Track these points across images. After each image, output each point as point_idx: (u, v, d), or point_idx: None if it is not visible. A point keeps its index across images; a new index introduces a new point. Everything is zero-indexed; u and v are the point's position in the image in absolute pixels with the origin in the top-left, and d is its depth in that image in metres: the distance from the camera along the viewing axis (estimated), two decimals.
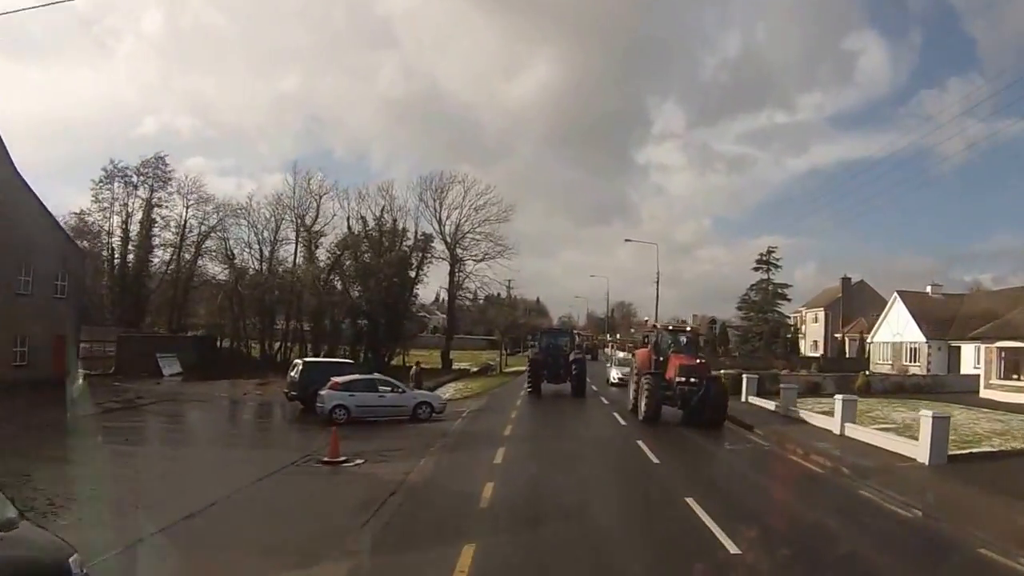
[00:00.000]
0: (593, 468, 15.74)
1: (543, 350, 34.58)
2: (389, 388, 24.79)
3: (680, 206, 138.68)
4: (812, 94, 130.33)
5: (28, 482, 11.75)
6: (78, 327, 38.69)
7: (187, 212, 51.45)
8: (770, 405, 26.98)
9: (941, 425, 16.01)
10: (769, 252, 65.72)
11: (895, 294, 49.36)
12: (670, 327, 26.37)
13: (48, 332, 33.71)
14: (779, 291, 66.35)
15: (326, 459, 16.44)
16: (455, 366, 52.91)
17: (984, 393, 32.48)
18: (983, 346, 34.88)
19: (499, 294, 67.04)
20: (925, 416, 16.41)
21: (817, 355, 65.14)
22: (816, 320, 71.34)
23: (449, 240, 54.17)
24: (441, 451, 18.01)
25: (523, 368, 49.19)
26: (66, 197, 69.72)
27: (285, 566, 8.72)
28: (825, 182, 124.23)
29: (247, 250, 52.36)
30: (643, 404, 22.70)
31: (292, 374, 28.06)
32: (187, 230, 51.68)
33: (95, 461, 15.70)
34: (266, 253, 52.32)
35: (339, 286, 52.04)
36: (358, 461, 16.66)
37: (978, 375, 35.79)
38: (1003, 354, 32.43)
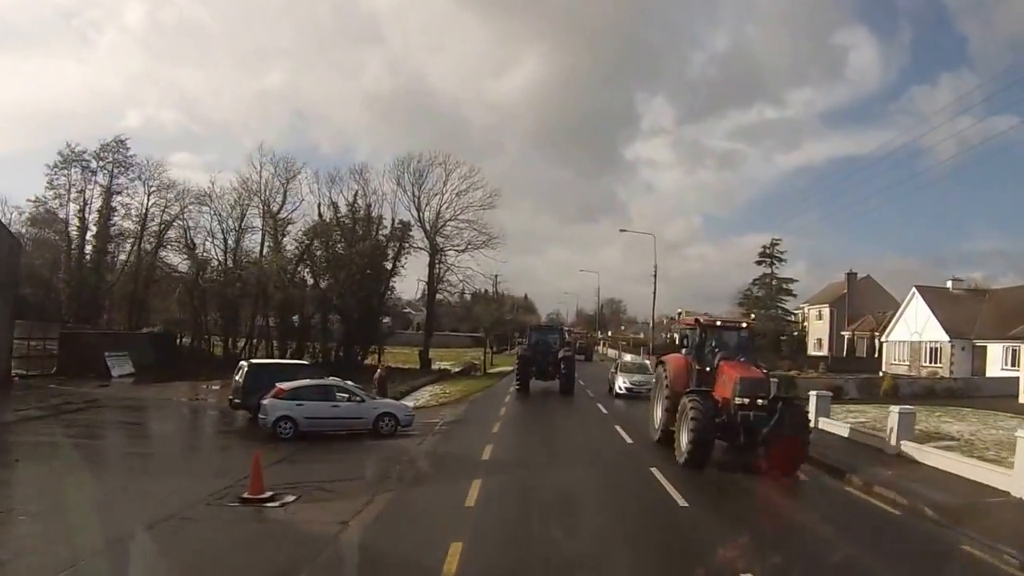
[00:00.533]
0: (601, 518, 11.49)
1: (532, 347, 34.08)
2: (346, 396, 20.57)
3: (669, 204, 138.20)
4: (803, 90, 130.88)
5: None
6: (11, 322, 34.39)
7: (148, 200, 47.12)
8: None
9: None
10: (773, 245, 61.81)
11: (913, 289, 45.59)
12: (718, 322, 18.38)
13: None
14: (783, 286, 62.48)
15: (247, 495, 12.35)
16: (436, 366, 48.52)
17: None
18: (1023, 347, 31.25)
19: (486, 290, 62.85)
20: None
21: (822, 354, 61.51)
22: (820, 317, 67.58)
23: (429, 228, 49.59)
24: (399, 484, 13.88)
25: (510, 368, 46.77)
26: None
27: None
28: (815, 180, 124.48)
29: (210, 240, 48.00)
30: (686, 440, 15.09)
31: (237, 378, 23.84)
32: (148, 219, 47.56)
33: None
34: (231, 243, 48.13)
35: (309, 279, 47.89)
36: (288, 499, 12.60)
37: (1014, 378, 32.44)
38: None
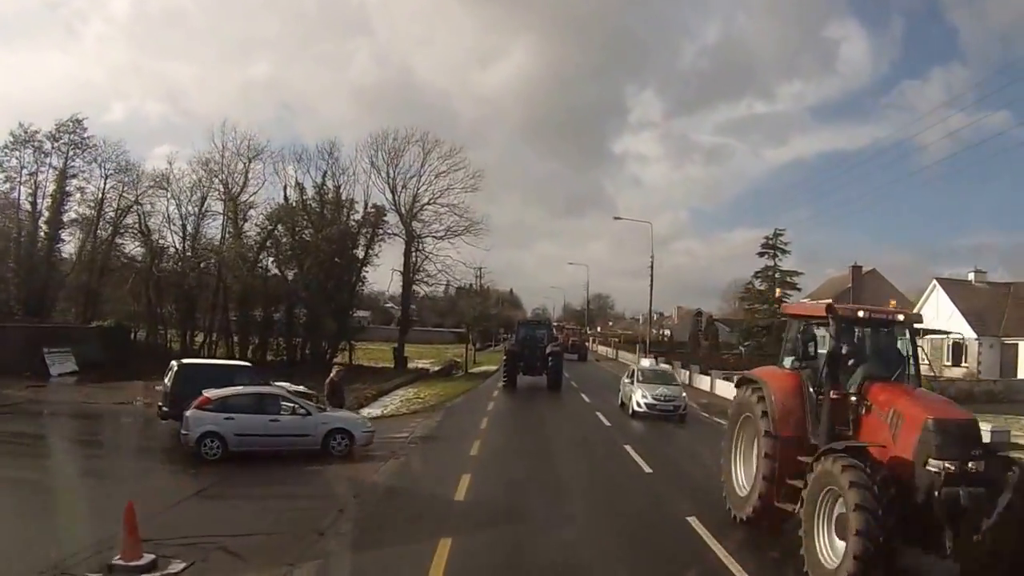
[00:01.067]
0: None
1: (520, 342, 33.56)
2: (290, 408, 16.39)
3: (657, 198, 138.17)
4: (792, 84, 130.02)
5: None
6: None
7: (105, 184, 42.78)
8: None
9: None
10: (776, 236, 57.83)
11: (934, 283, 41.94)
12: (861, 312, 10.07)
13: None
14: (787, 279, 58.62)
15: (118, 560, 8.42)
16: (413, 364, 44.22)
17: None
18: None
19: (470, 285, 58.64)
20: None
21: None
22: None
23: (404, 212, 44.75)
24: (335, 541, 9.80)
25: (494, 368, 43.80)
26: None
27: None
28: (805, 175, 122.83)
29: (168, 226, 43.74)
30: (846, 553, 7.68)
31: (166, 381, 19.65)
32: (105, 204, 43.23)
33: None
34: (190, 229, 43.81)
35: (275, 269, 43.54)
36: (173, 569, 8.60)
37: None
38: None
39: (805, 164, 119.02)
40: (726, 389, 27.48)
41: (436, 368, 43.65)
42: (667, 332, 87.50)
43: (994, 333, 37.76)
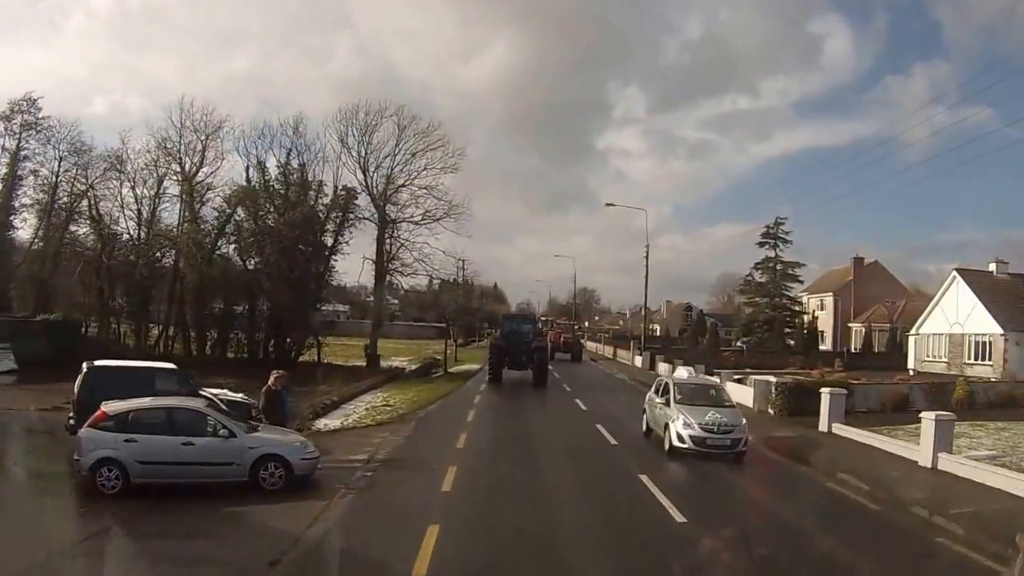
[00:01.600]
0: None
1: (506, 336, 33.86)
2: (211, 428, 12.69)
3: (640, 193, 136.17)
4: (776, 79, 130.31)
5: None
6: None
7: (59, 166, 39.28)
8: (906, 450, 15.66)
9: None
10: (777, 225, 54.73)
11: (954, 273, 38.73)
12: None
13: None
14: (789, 271, 55.59)
15: None
16: (387, 362, 40.46)
17: None
18: None
19: (453, 278, 54.81)
20: None
21: (826, 348, 54.98)
22: (823, 307, 60.87)
23: (377, 194, 40.71)
24: None
25: (477, 367, 40.70)
26: None
27: None
28: (788, 171, 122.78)
29: (122, 211, 39.98)
30: None
31: (75, 386, 16.03)
32: (58, 188, 39.87)
33: None
34: (145, 214, 39.99)
35: (237, 258, 39.68)
36: None
37: None
38: None
39: (789, 159, 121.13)
40: (738, 394, 24.00)
41: (413, 367, 39.86)
42: (656, 327, 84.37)
43: (1021, 328, 34.69)
